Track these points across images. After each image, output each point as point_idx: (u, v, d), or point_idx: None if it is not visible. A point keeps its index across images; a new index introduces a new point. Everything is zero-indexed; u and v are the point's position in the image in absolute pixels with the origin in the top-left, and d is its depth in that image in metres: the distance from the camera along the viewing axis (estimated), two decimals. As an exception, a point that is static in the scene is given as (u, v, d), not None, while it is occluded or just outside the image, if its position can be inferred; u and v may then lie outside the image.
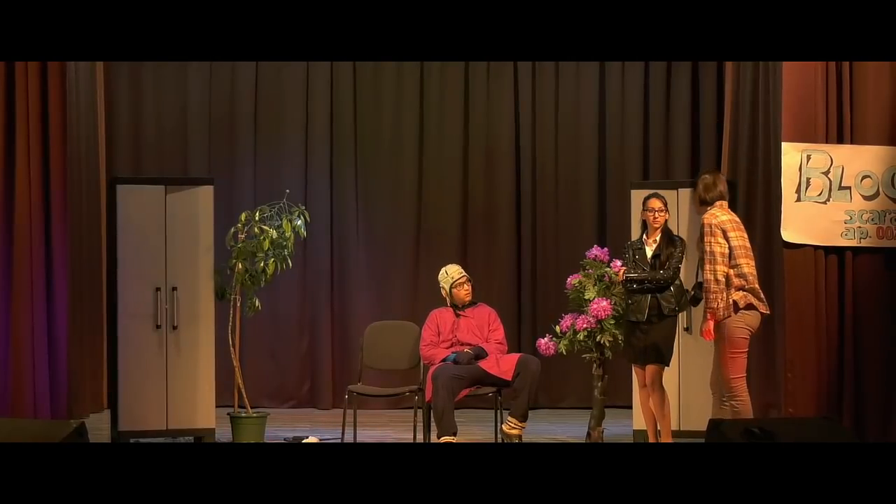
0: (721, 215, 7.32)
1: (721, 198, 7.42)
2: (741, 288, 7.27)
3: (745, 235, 7.39)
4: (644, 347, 8.09)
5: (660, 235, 8.21)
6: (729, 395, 7.26)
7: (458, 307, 8.96)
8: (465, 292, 8.96)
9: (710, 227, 7.27)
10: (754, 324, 7.34)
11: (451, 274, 9.01)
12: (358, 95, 11.49)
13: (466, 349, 8.74)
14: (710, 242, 7.25)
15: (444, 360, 8.70)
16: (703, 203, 7.45)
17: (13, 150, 8.48)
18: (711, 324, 7.27)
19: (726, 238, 7.26)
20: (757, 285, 7.32)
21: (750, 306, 7.29)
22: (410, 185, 11.51)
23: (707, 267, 7.25)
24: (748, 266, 7.30)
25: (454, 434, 8.53)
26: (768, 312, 7.46)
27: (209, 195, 8.87)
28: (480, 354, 8.75)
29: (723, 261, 7.23)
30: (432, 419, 8.68)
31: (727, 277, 7.22)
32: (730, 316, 7.24)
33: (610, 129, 11.56)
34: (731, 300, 7.24)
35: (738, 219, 7.45)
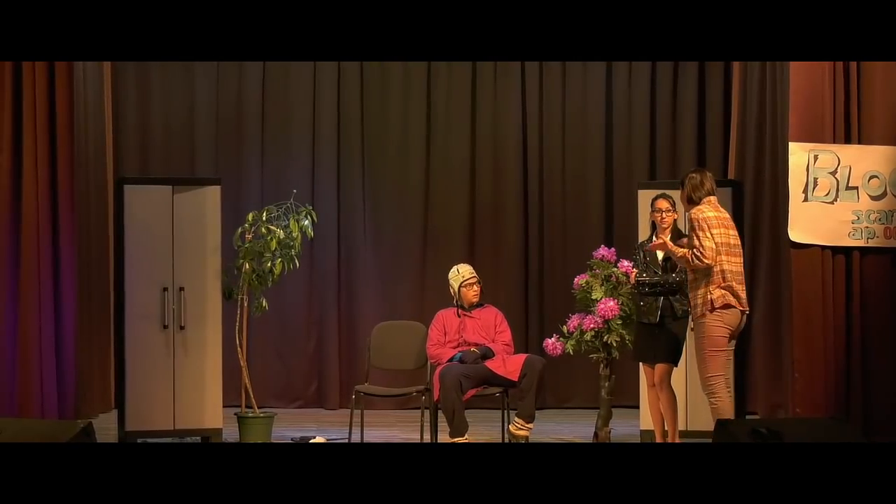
0: (707, 211, 7.30)
1: (709, 194, 7.39)
2: (719, 286, 7.26)
3: (732, 233, 7.37)
4: (655, 347, 8.09)
5: (669, 236, 8.21)
6: (707, 392, 7.31)
7: (464, 307, 8.96)
8: (472, 293, 8.96)
9: (699, 222, 7.24)
10: (733, 322, 7.32)
11: (461, 273, 9.02)
12: (365, 95, 11.50)
13: (473, 349, 8.74)
14: (699, 237, 7.23)
15: (450, 360, 8.70)
16: (690, 202, 7.43)
17: (21, 150, 8.50)
18: (665, 241, 7.50)
19: (710, 233, 7.25)
20: (736, 283, 7.30)
21: (728, 305, 7.27)
22: (417, 185, 11.51)
23: (703, 255, 7.21)
24: (729, 263, 7.28)
25: (466, 432, 8.54)
26: (747, 310, 7.44)
27: (216, 195, 8.87)
28: (487, 354, 8.75)
29: (711, 255, 7.21)
30: (440, 419, 8.69)
31: (710, 272, 7.24)
32: (703, 315, 7.25)
33: (617, 129, 11.56)
34: (709, 297, 7.25)
35: (726, 216, 7.42)
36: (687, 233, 7.67)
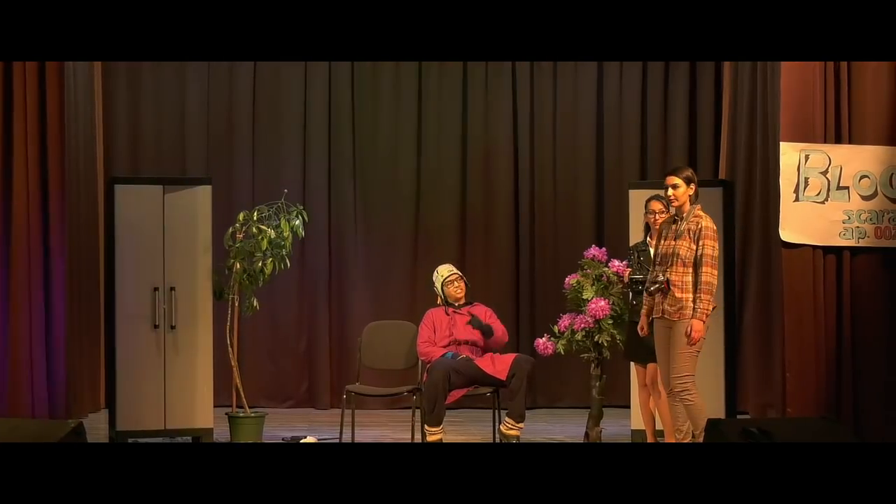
0: (711, 221, 7.38)
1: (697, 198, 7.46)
2: (710, 293, 7.29)
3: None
4: (647, 347, 8.05)
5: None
6: (679, 390, 7.31)
7: (452, 305, 8.96)
8: (455, 289, 8.97)
9: (713, 231, 7.31)
10: (708, 325, 7.42)
11: (441, 273, 9.05)
12: (356, 95, 11.49)
13: (464, 355, 8.72)
14: (712, 246, 7.28)
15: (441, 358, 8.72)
16: (689, 182, 7.40)
17: (11, 150, 8.47)
18: (702, 325, 7.27)
19: (715, 245, 7.35)
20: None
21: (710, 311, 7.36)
22: (409, 185, 11.51)
23: (707, 269, 7.25)
24: (715, 275, 7.38)
25: (441, 423, 8.53)
26: None
27: (207, 195, 8.86)
28: (487, 332, 8.78)
29: (716, 265, 7.31)
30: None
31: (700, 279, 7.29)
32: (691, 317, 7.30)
33: (608, 129, 11.57)
34: (699, 303, 7.28)
35: None
36: (682, 231, 7.53)
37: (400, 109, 11.53)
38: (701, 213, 7.39)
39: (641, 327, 7.67)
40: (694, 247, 7.29)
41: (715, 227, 7.36)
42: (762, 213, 10.06)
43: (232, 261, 8.88)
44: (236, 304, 8.95)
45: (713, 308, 7.33)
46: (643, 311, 7.66)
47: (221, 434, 8.99)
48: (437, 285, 9.04)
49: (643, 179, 10.98)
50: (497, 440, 8.80)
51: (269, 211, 8.94)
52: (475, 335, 8.87)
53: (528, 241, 11.55)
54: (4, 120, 8.49)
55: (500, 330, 8.96)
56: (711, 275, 7.28)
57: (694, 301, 7.26)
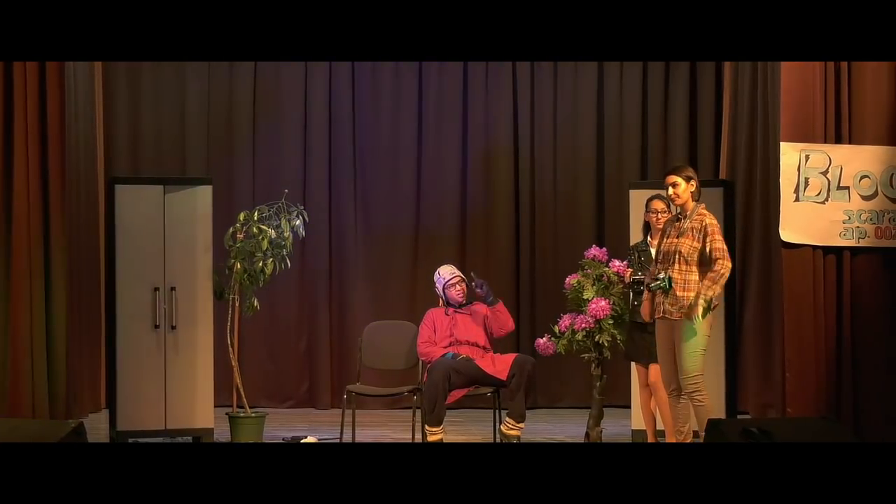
0: (714, 219, 7.39)
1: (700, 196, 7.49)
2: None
3: None
4: (649, 347, 8.03)
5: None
6: (691, 390, 7.30)
7: (453, 306, 8.96)
8: (456, 292, 8.96)
9: (718, 228, 7.33)
10: (712, 323, 7.43)
11: (443, 275, 9.04)
12: (356, 95, 11.49)
13: (464, 355, 8.72)
14: (721, 240, 7.29)
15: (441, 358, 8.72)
16: (689, 181, 7.42)
17: (11, 150, 8.47)
18: (703, 302, 7.26)
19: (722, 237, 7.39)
20: None
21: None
22: (409, 186, 11.51)
23: (723, 262, 7.23)
24: None
25: (442, 423, 8.54)
26: None
27: (207, 195, 8.86)
28: (491, 301, 8.85)
29: (729, 257, 7.33)
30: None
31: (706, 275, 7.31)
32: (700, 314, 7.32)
33: (608, 129, 11.57)
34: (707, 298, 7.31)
35: None
36: (685, 228, 7.50)
37: (400, 109, 11.53)
38: (704, 211, 7.39)
39: (647, 313, 7.58)
40: (697, 245, 7.29)
41: (718, 224, 7.38)
42: (762, 213, 10.06)
43: (232, 261, 8.88)
44: (236, 304, 8.95)
45: (714, 306, 7.32)
46: (645, 300, 7.62)
47: (222, 434, 8.99)
48: (438, 287, 9.03)
49: (643, 179, 10.98)
50: (497, 440, 8.80)
51: (269, 211, 8.94)
52: (476, 336, 8.86)
53: (528, 241, 11.54)
54: (4, 120, 8.49)
55: (505, 313, 8.97)
56: (726, 266, 7.26)
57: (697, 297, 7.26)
